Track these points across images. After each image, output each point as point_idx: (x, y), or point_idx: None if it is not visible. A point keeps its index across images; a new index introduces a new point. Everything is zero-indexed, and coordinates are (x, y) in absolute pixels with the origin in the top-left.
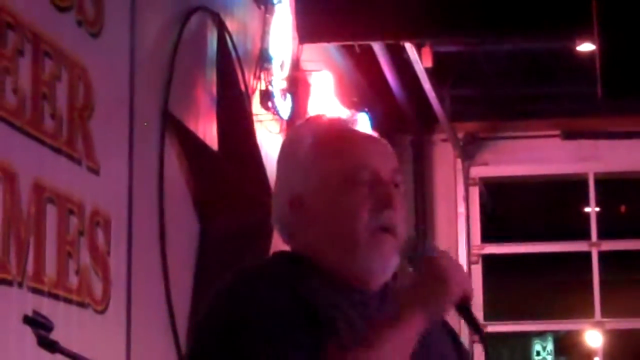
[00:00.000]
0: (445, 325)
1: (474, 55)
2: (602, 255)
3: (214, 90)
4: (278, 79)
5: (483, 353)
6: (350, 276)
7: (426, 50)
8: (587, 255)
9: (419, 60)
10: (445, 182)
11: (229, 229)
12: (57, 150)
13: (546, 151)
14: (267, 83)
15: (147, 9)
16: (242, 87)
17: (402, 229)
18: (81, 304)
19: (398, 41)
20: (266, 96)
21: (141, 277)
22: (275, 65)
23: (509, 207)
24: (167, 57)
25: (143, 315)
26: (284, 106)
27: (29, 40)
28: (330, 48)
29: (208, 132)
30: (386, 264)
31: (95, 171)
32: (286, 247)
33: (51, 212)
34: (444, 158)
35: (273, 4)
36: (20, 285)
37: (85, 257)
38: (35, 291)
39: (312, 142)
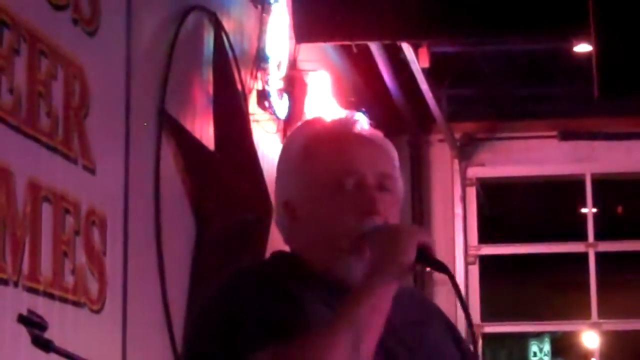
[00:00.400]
0: (451, 328)
1: (471, 56)
2: (599, 256)
3: (211, 89)
4: (275, 78)
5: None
6: (337, 279)
7: (423, 51)
8: (584, 256)
9: (416, 60)
10: (442, 183)
11: (225, 228)
12: (53, 149)
13: (543, 152)
14: (264, 83)
15: (143, 8)
16: (239, 86)
17: None
18: (77, 304)
19: (395, 41)
20: (263, 96)
21: (137, 276)
22: (272, 65)
23: (506, 208)
24: (163, 57)
25: (139, 314)
26: (281, 106)
27: (24, 39)
28: (327, 48)
29: (204, 131)
30: None
31: (91, 170)
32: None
33: (47, 211)
34: (441, 158)
35: (270, 4)
36: (15, 284)
37: (81, 257)
38: (31, 290)
39: (302, 148)
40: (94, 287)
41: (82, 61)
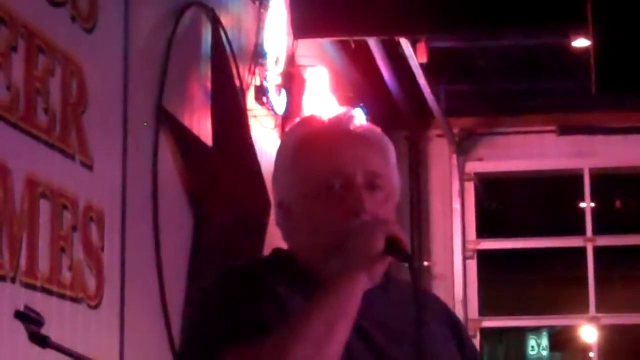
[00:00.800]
0: (456, 329)
1: (469, 51)
2: (598, 251)
3: (209, 85)
4: (273, 74)
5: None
6: (325, 280)
7: (421, 46)
8: (582, 251)
9: (415, 56)
10: (440, 178)
11: (223, 224)
12: (51, 146)
13: (542, 147)
14: (262, 79)
15: (141, 5)
16: (237, 82)
17: None
18: (75, 300)
19: (393, 37)
20: (261, 92)
21: (135, 272)
22: (270, 61)
23: (504, 203)
24: (161, 53)
25: (137, 310)
26: (279, 102)
27: (22, 35)
28: (325, 44)
29: (203, 127)
30: None
31: (89, 166)
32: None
33: (45, 207)
34: (440, 154)
35: (268, 0)
36: (13, 280)
37: (78, 253)
38: (29, 286)
39: (294, 149)
40: (91, 283)
41: (80, 58)
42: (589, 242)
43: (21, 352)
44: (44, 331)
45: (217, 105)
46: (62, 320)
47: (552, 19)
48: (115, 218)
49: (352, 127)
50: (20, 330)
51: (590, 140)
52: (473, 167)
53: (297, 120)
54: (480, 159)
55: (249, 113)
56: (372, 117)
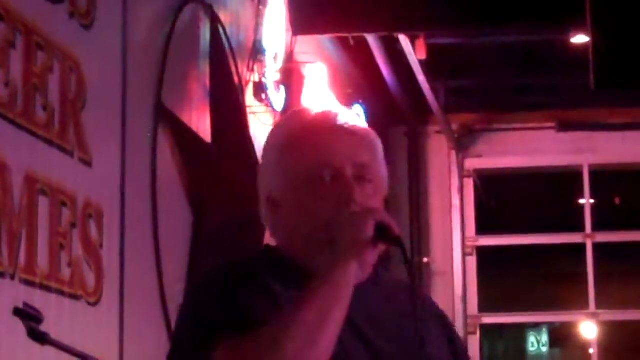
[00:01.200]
0: (446, 328)
1: (468, 47)
2: (597, 247)
3: (207, 82)
4: (271, 71)
5: (407, 274)
6: (315, 274)
7: (420, 42)
8: (581, 247)
9: (413, 52)
10: (439, 174)
11: (222, 221)
12: (49, 142)
13: (541, 143)
14: (261, 75)
15: (139, 1)
16: (236, 79)
17: None
18: (74, 296)
19: (392, 33)
20: (259, 88)
21: (134, 269)
22: (268, 57)
23: (503, 199)
24: (159, 49)
25: (136, 307)
26: (278, 98)
27: (20, 32)
28: (324, 40)
29: (201, 124)
30: None
31: (87, 163)
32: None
33: (43, 204)
34: (439, 150)
35: None
36: (12, 277)
37: (77, 249)
38: (28, 283)
39: (283, 142)
40: (90, 279)
41: (79, 54)
42: (588, 238)
43: (20, 349)
44: (43, 328)
45: (215, 102)
46: (61, 317)
47: (551, 15)
48: (114, 214)
49: (339, 121)
50: (19, 327)
51: (589, 136)
52: (472, 163)
53: (281, 118)
54: (479, 155)
55: (248, 109)
56: (371, 113)
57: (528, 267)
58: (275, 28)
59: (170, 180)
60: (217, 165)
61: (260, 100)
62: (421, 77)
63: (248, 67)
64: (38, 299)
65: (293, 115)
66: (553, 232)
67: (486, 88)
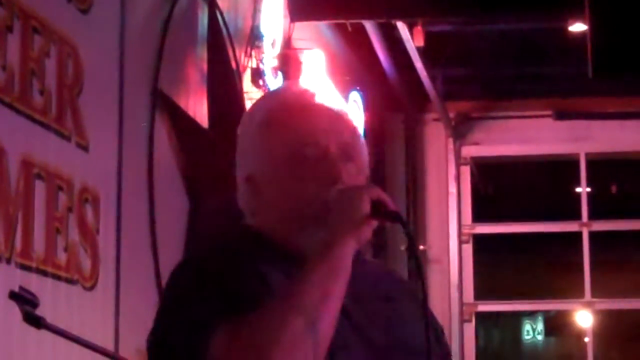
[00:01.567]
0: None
1: (466, 35)
2: (593, 236)
3: (205, 67)
4: (269, 57)
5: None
6: (302, 252)
7: (418, 30)
8: (577, 236)
9: (411, 39)
10: (436, 162)
11: (218, 206)
12: (46, 127)
13: (538, 131)
14: (258, 61)
15: None
16: (233, 64)
17: None
18: (70, 281)
19: (390, 20)
20: (257, 74)
21: (130, 254)
22: (266, 43)
23: (500, 187)
24: (157, 34)
25: (132, 292)
26: (275, 84)
27: (17, 16)
28: (321, 26)
29: (198, 109)
30: None
31: (84, 148)
32: None
33: (40, 188)
34: (436, 137)
35: None
36: (8, 261)
37: (74, 234)
38: (24, 267)
39: (262, 118)
40: (86, 264)
41: (76, 39)
42: (584, 226)
43: (16, 333)
44: (39, 312)
45: (213, 88)
46: (57, 301)
47: (549, 3)
48: (111, 199)
49: (318, 100)
50: (14, 311)
51: (586, 124)
52: (469, 151)
53: (259, 96)
54: (476, 143)
55: (245, 95)
56: (368, 100)
57: (524, 255)
58: (273, 14)
59: (167, 165)
60: (214, 151)
61: (257, 86)
62: (419, 65)
63: (246, 53)
64: (34, 283)
65: (270, 94)
66: (549, 220)
67: (484, 76)
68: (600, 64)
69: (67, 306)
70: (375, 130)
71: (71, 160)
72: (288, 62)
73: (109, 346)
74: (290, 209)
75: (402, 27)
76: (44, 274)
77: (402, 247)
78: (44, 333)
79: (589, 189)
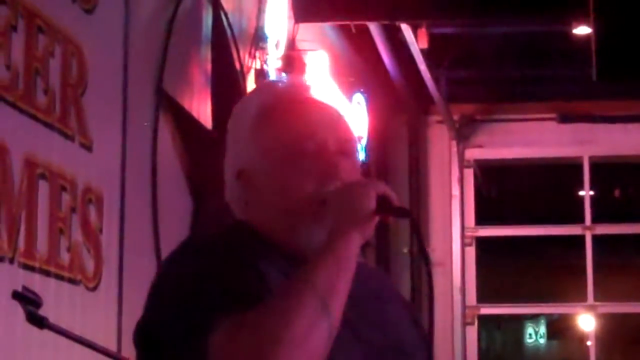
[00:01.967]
0: (408, 308)
1: (470, 37)
2: (596, 239)
3: (209, 68)
4: (273, 58)
5: (417, 244)
6: (298, 249)
7: (422, 32)
8: (580, 239)
9: (415, 41)
10: (439, 164)
11: (222, 206)
12: (50, 126)
13: (542, 134)
14: (262, 62)
15: None
16: (237, 65)
17: None
18: (73, 281)
19: (394, 22)
20: (261, 75)
21: (133, 254)
22: (270, 44)
23: (503, 190)
24: (161, 35)
25: (135, 292)
26: None
27: (22, 15)
28: (326, 28)
29: (202, 110)
30: None
31: (88, 147)
32: None
33: (43, 188)
34: (439, 140)
35: None
36: (11, 261)
37: (77, 234)
38: (27, 267)
39: (256, 112)
40: (89, 264)
41: (80, 38)
42: (587, 230)
43: (19, 333)
44: (42, 312)
45: (217, 88)
46: (60, 302)
47: (553, 6)
48: (114, 200)
49: (312, 94)
50: (18, 311)
51: (590, 128)
52: (472, 153)
53: (251, 90)
54: (480, 146)
55: None
56: (372, 101)
57: (527, 258)
58: (277, 15)
59: (170, 165)
60: (218, 151)
61: None
62: (422, 67)
63: (250, 53)
64: (37, 283)
65: (262, 88)
66: (552, 224)
67: (487, 78)
68: (604, 67)
69: (70, 306)
70: (379, 132)
71: (74, 160)
72: (292, 63)
73: (112, 346)
74: (285, 205)
75: (406, 29)
76: (47, 274)
77: (405, 250)
78: (46, 333)
79: (592, 193)
